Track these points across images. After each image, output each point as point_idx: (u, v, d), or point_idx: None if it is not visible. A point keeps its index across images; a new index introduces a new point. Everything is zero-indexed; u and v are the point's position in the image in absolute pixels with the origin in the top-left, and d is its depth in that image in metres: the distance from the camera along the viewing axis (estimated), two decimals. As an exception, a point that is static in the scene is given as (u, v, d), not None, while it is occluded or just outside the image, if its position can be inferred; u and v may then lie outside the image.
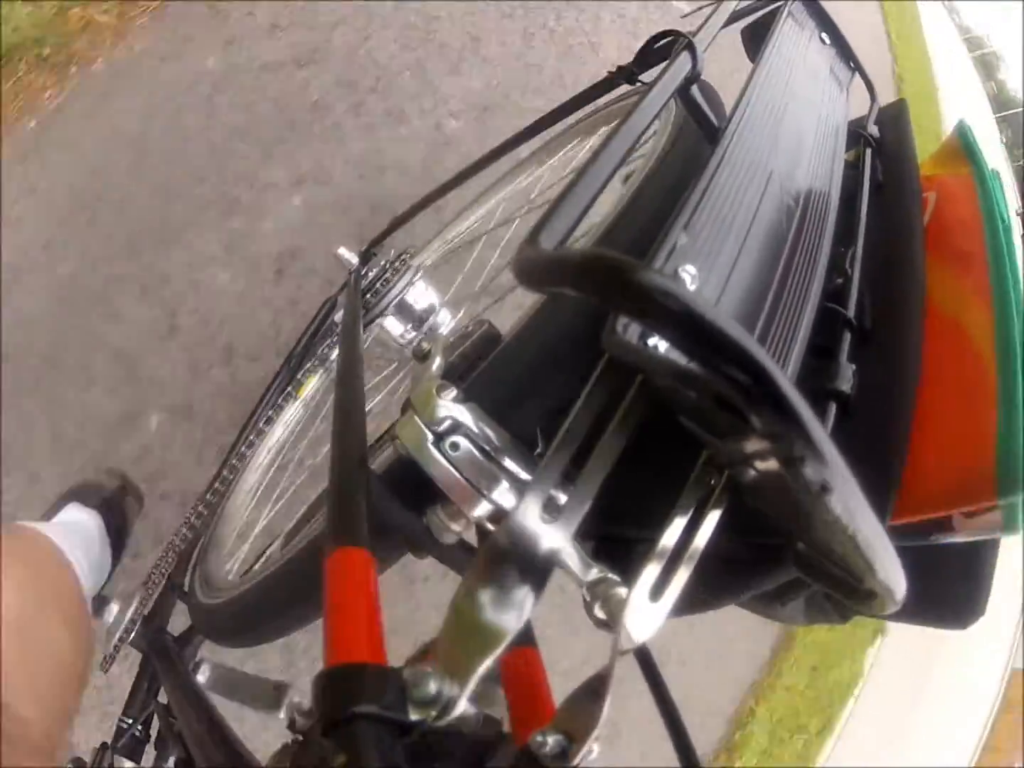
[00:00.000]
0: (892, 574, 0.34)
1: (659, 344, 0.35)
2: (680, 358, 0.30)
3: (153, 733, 1.01)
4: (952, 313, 0.56)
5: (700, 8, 0.83)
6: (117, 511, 1.37)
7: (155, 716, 1.00)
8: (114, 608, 1.11)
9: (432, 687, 0.31)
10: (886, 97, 0.87)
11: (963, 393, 0.51)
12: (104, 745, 0.98)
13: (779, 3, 0.81)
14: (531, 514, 0.35)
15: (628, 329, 0.35)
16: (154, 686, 1.05)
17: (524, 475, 0.45)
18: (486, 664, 0.32)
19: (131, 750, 0.98)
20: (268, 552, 0.98)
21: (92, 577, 1.20)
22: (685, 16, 0.88)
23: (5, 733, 0.58)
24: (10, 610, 0.70)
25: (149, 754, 0.99)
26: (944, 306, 0.58)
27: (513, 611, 0.33)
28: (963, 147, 0.71)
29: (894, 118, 0.82)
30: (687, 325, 0.25)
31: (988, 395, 0.48)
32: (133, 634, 1.05)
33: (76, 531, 1.25)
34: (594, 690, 0.34)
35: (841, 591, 0.41)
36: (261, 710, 0.92)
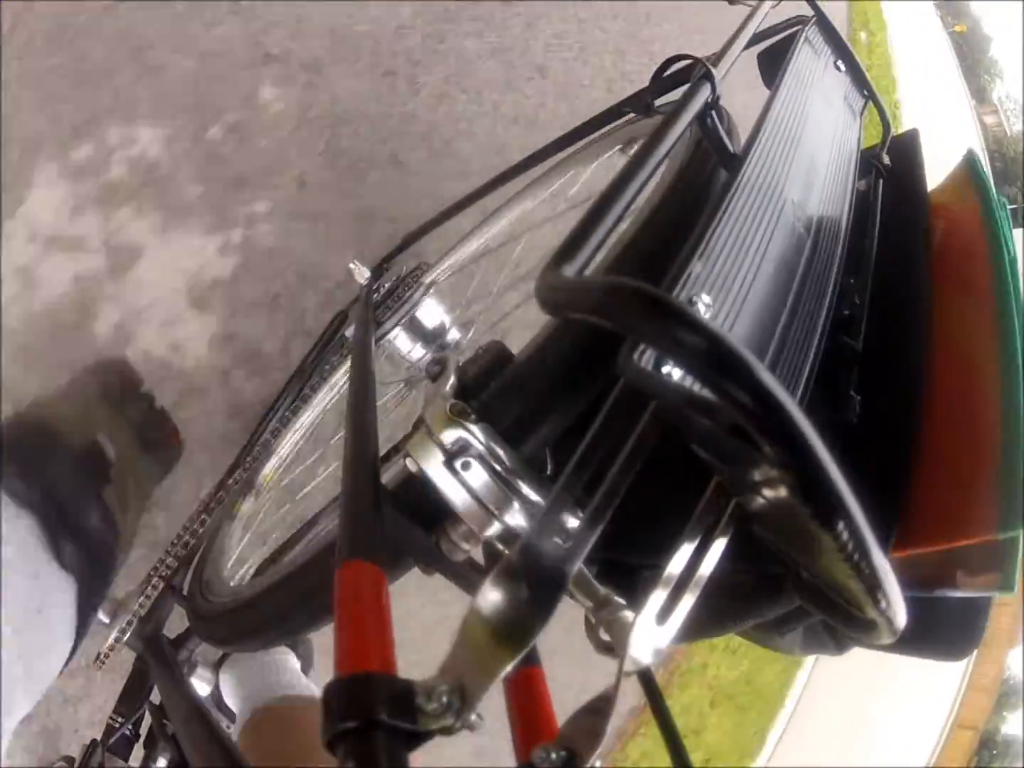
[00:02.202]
0: (893, 604, 0.35)
1: (673, 371, 0.36)
2: (695, 386, 0.31)
3: (143, 733, 1.02)
4: (956, 344, 0.57)
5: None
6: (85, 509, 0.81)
7: (146, 716, 1.00)
8: (111, 607, 1.11)
9: (443, 699, 0.32)
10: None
11: (966, 426, 0.52)
12: (94, 742, 0.98)
13: (796, 28, 0.82)
14: (544, 537, 0.36)
15: (644, 356, 0.36)
16: (147, 686, 1.06)
17: (535, 497, 0.45)
18: (495, 680, 0.33)
19: (121, 748, 0.98)
20: (272, 559, 0.99)
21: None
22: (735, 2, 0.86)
23: None
24: None
25: (138, 753, 1.00)
26: (949, 337, 0.58)
27: (522, 630, 0.34)
28: (971, 177, 0.71)
29: (906, 147, 0.82)
30: (704, 355, 0.26)
31: (991, 429, 0.49)
32: (128, 634, 1.05)
33: None
34: (598, 709, 0.35)
35: (842, 620, 0.41)
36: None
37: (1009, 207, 0.67)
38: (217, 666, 1.13)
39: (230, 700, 1.13)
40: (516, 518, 0.45)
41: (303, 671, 1.22)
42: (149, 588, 1.07)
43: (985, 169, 0.71)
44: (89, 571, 0.82)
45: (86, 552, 0.81)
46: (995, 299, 0.57)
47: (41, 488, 0.76)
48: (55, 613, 0.77)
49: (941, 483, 0.50)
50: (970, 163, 0.72)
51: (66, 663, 0.82)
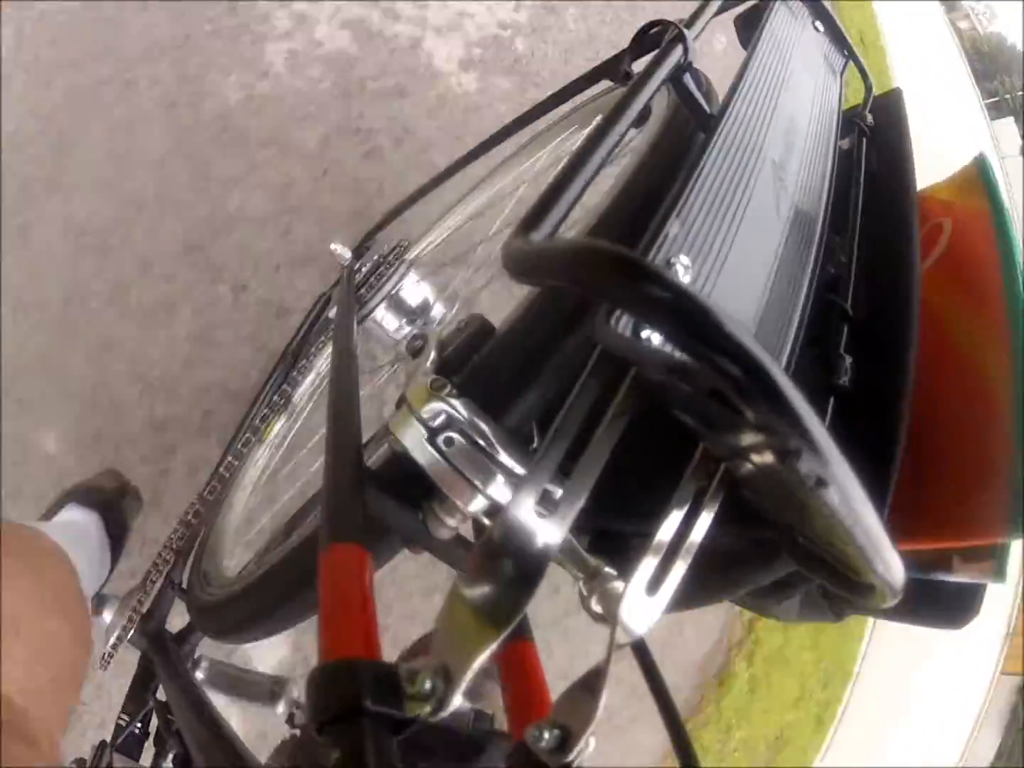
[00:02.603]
0: (891, 567, 0.34)
1: (652, 336, 0.35)
2: (673, 350, 0.30)
3: (152, 731, 1.01)
4: (966, 348, 0.57)
5: None
6: (116, 512, 1.39)
7: (154, 714, 1.00)
8: (113, 606, 1.11)
9: (427, 683, 0.31)
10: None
11: (977, 431, 0.52)
12: (103, 743, 0.98)
13: None
14: (526, 508, 0.35)
15: (620, 321, 0.35)
16: (152, 684, 1.05)
17: (519, 469, 0.44)
18: (481, 659, 0.32)
19: (130, 748, 0.98)
20: (266, 548, 0.98)
21: (91, 577, 1.22)
22: None
23: (6, 729, 0.58)
24: (10, 607, 0.70)
25: (148, 751, 1.00)
26: (958, 340, 0.58)
27: (508, 605, 0.33)
28: (981, 180, 0.70)
29: (889, 106, 0.81)
30: (681, 317, 0.25)
31: (1003, 435, 0.49)
32: (131, 632, 1.05)
33: (75, 531, 1.27)
34: (591, 684, 0.34)
35: (839, 584, 0.41)
36: (260, 706, 0.93)
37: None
38: None
39: None
40: (501, 491, 0.44)
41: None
42: (149, 584, 1.07)
43: (996, 173, 0.71)
44: (117, 540, 1.36)
45: (117, 529, 1.36)
46: (1006, 305, 0.57)
47: (100, 502, 1.36)
48: (104, 552, 1.31)
49: (955, 484, 0.50)
50: (980, 166, 0.71)
51: (110, 572, 1.34)
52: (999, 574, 0.48)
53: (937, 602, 0.55)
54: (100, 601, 1.14)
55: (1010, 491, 0.46)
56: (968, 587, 0.55)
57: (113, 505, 1.40)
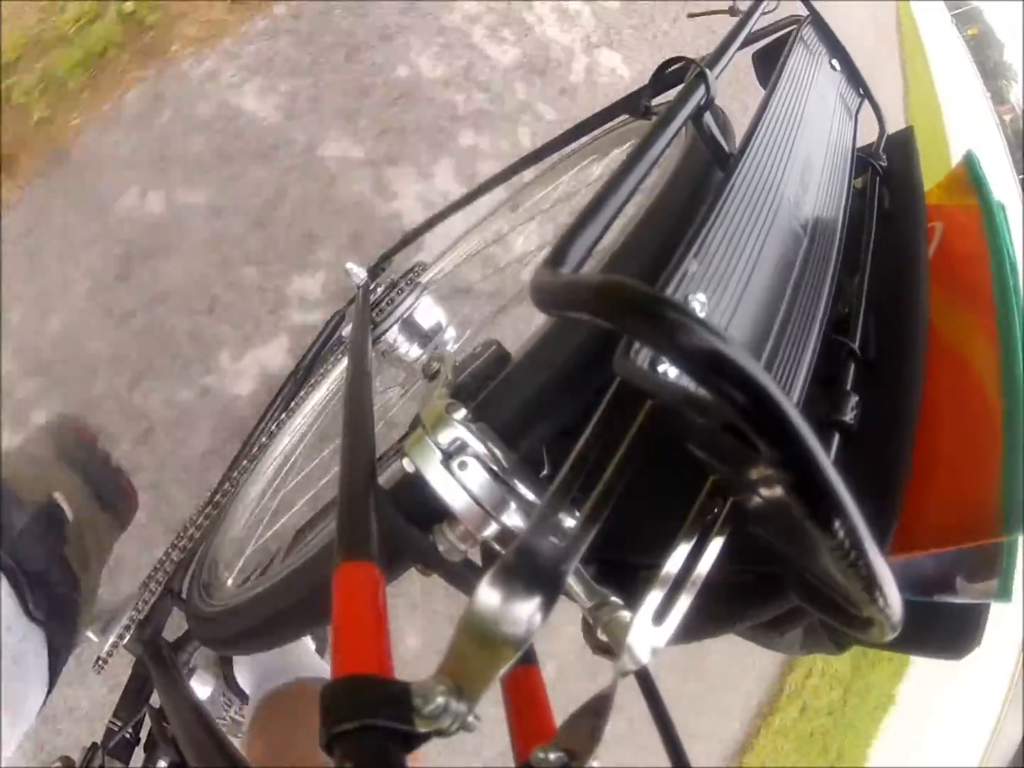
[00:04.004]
0: (891, 603, 0.35)
1: (669, 370, 0.36)
2: (690, 385, 0.31)
3: (143, 736, 1.01)
4: (958, 347, 0.57)
5: (709, 12, 0.84)
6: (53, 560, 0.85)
7: (146, 719, 1.00)
8: (110, 610, 1.11)
9: (439, 700, 0.32)
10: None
11: (968, 429, 0.52)
12: (94, 745, 0.98)
13: (791, 28, 0.82)
14: (541, 536, 0.36)
15: (639, 354, 0.36)
16: (146, 690, 1.06)
17: (532, 497, 0.45)
18: (493, 680, 0.33)
19: (121, 751, 0.98)
20: (270, 562, 0.99)
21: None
22: (692, 16, 0.89)
23: None
24: None
25: (138, 757, 1.00)
26: (949, 339, 0.58)
27: (520, 631, 0.34)
28: (970, 178, 0.71)
29: (901, 145, 0.82)
30: (699, 354, 0.26)
31: (993, 432, 0.49)
32: (128, 638, 1.05)
33: None
34: (595, 709, 0.35)
35: (840, 619, 0.41)
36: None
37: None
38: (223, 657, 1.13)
39: (244, 682, 1.13)
40: (513, 518, 0.44)
41: (318, 652, 1.21)
42: (147, 591, 1.07)
43: (984, 170, 0.71)
44: (56, 623, 0.85)
45: (51, 605, 0.84)
46: (996, 303, 0.57)
47: (5, 548, 0.79)
48: (30, 660, 0.81)
49: (943, 485, 0.50)
50: (969, 164, 0.72)
51: (41, 707, 0.85)
52: (1004, 593, 0.47)
53: (938, 631, 0.54)
54: (68, 649, 0.92)
55: (1002, 488, 0.46)
56: (970, 616, 0.55)
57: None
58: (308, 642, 1.29)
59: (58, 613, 0.85)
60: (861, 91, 0.89)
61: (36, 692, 0.83)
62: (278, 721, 0.90)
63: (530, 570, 0.35)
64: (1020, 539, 0.45)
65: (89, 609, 0.94)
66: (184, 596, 1.05)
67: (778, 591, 0.47)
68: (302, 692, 0.99)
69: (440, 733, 0.32)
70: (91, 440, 1.03)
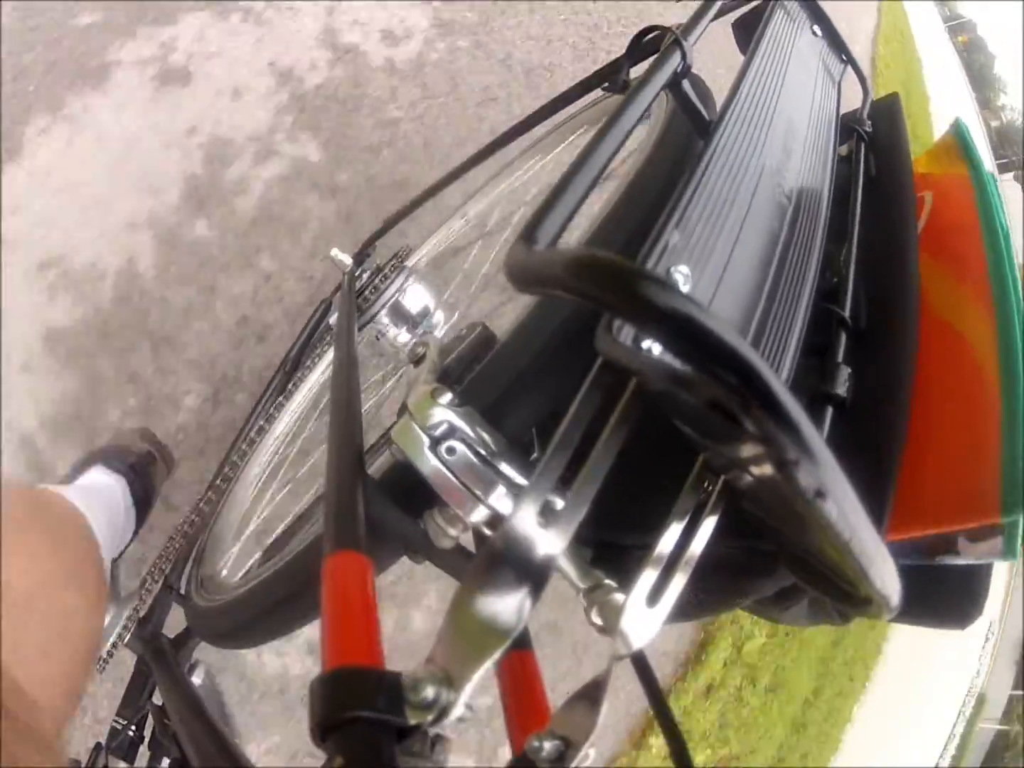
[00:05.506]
0: (887, 581, 0.34)
1: (652, 346, 0.35)
2: (673, 361, 0.30)
3: (147, 734, 1.01)
4: (950, 318, 0.56)
5: None
6: (143, 476, 1.35)
7: (149, 717, 1.00)
8: (111, 609, 1.11)
9: (430, 691, 0.31)
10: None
11: (965, 407, 0.51)
12: (98, 745, 0.98)
13: None
14: (528, 519, 0.35)
15: (621, 331, 0.35)
16: (149, 687, 1.05)
17: (521, 480, 0.44)
18: (483, 668, 0.32)
19: (125, 751, 0.98)
20: (266, 554, 0.98)
21: (112, 544, 1.21)
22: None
23: (13, 727, 0.51)
24: (26, 581, 0.66)
25: (143, 755, 1.00)
26: (941, 310, 0.57)
27: (510, 616, 0.33)
28: (960, 147, 0.70)
29: (887, 111, 0.81)
30: (680, 328, 0.25)
31: (991, 410, 0.48)
32: (128, 636, 1.05)
33: (99, 496, 1.23)
34: (591, 695, 0.34)
35: (836, 597, 0.41)
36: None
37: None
38: None
39: None
40: (502, 502, 0.44)
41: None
42: (147, 588, 1.07)
43: (972, 138, 0.70)
44: (144, 505, 1.35)
45: (143, 495, 1.34)
46: (990, 274, 0.56)
47: (127, 466, 1.34)
48: (129, 518, 1.29)
49: (941, 465, 0.49)
50: (958, 133, 0.71)
51: (133, 535, 1.32)
52: (1009, 552, 0.46)
53: (941, 601, 0.54)
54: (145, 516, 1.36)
55: (1001, 467, 0.45)
56: (972, 584, 0.54)
57: (141, 469, 1.35)
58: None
59: (146, 501, 1.34)
60: (844, 57, 0.88)
61: (130, 531, 1.30)
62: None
63: (518, 554, 0.34)
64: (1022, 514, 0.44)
65: (156, 497, 1.44)
66: (183, 592, 1.05)
67: (775, 569, 0.46)
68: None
69: (431, 723, 0.31)
70: (155, 437, 1.50)
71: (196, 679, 0.98)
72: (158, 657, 1.00)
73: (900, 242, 0.63)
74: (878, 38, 6.69)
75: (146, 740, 1.01)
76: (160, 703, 0.94)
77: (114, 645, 1.04)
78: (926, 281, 0.59)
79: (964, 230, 0.62)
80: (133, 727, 1.00)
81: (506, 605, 0.33)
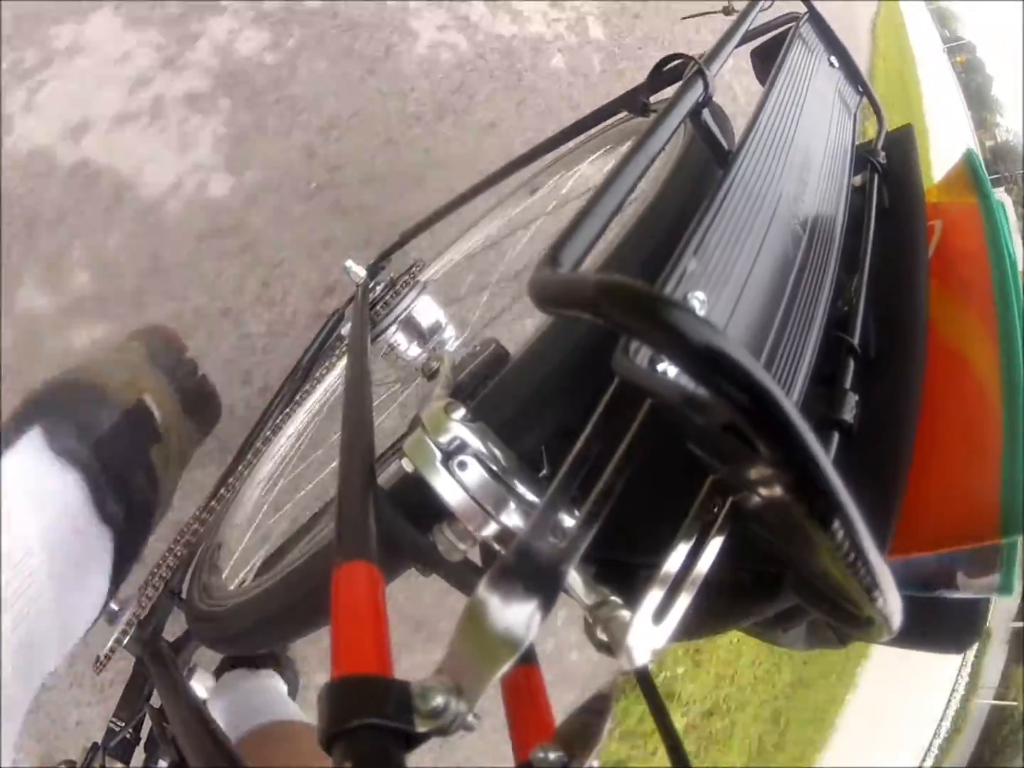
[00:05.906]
0: (890, 603, 0.35)
1: (668, 369, 0.35)
2: (689, 384, 0.31)
3: (144, 736, 1.02)
4: (957, 344, 0.57)
5: (702, 14, 0.84)
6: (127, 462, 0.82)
7: (146, 719, 1.00)
8: (111, 610, 1.11)
9: (439, 700, 0.32)
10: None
11: (967, 428, 0.51)
12: (95, 745, 0.98)
13: (789, 25, 0.82)
14: (540, 537, 0.36)
15: (638, 353, 0.36)
16: (147, 690, 1.06)
17: (531, 497, 0.45)
18: (492, 679, 0.33)
19: (121, 751, 0.98)
20: (270, 561, 0.99)
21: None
22: (685, 19, 0.91)
23: None
24: None
25: (139, 756, 1.00)
26: (949, 336, 0.58)
27: (520, 629, 0.34)
28: (970, 176, 0.71)
29: (901, 142, 0.82)
30: (697, 352, 0.26)
31: (993, 431, 0.48)
32: (128, 638, 1.05)
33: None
34: (596, 708, 0.35)
35: (839, 618, 0.41)
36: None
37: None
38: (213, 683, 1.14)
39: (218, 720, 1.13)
40: (512, 518, 0.44)
41: (289, 695, 1.21)
42: (148, 591, 1.07)
43: (984, 168, 0.71)
44: (128, 526, 0.83)
45: (127, 507, 0.82)
46: (995, 301, 0.56)
47: (90, 445, 0.77)
48: (93, 567, 0.79)
49: (942, 485, 0.49)
50: (969, 162, 0.72)
51: (95, 621, 0.83)
52: (1006, 587, 0.46)
53: (939, 627, 0.54)
54: (136, 555, 0.92)
55: (1002, 490, 0.45)
56: (970, 609, 0.55)
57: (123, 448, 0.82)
58: (280, 684, 1.29)
59: (132, 517, 0.83)
60: (860, 88, 0.88)
61: (94, 600, 0.81)
62: (255, 761, 0.89)
63: (529, 570, 0.35)
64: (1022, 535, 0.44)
65: (163, 514, 0.93)
66: (184, 596, 1.05)
67: (778, 590, 0.47)
68: (279, 730, 0.99)
69: (440, 732, 0.32)
70: (181, 348, 1.01)
71: (196, 682, 0.99)
72: (157, 660, 1.00)
73: (911, 274, 0.64)
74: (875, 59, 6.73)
75: (142, 742, 1.01)
76: (158, 706, 0.95)
77: (115, 644, 1.04)
78: (934, 306, 0.60)
79: (972, 257, 0.62)
80: (130, 728, 1.00)
81: (516, 619, 0.34)
